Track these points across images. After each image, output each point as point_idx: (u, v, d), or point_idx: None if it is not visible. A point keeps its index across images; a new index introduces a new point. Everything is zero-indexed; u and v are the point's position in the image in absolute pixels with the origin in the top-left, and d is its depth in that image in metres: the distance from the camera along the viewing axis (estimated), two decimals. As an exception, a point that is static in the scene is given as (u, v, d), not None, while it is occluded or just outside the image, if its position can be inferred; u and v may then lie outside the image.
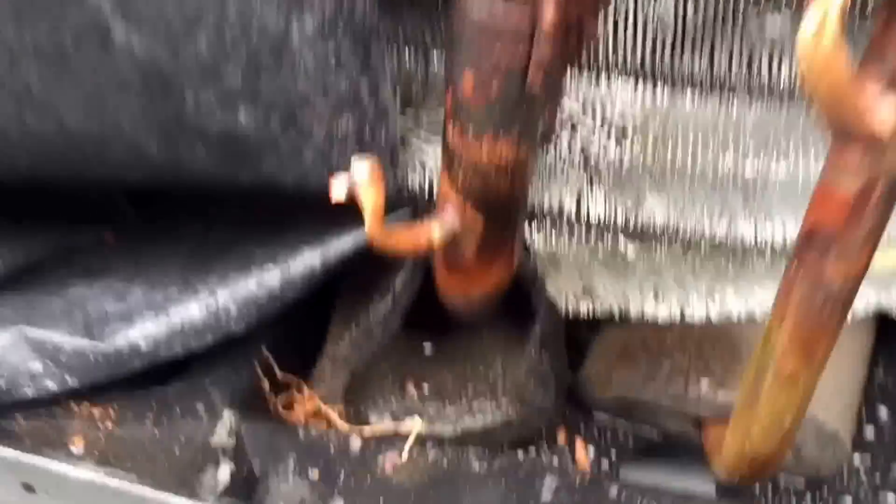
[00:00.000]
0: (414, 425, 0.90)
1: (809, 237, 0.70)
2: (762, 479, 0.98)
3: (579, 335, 1.11)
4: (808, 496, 1.04)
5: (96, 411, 0.94)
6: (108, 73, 0.78)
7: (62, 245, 1.08)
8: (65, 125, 0.80)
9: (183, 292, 0.94)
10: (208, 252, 1.00)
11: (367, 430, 0.94)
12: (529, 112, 0.74)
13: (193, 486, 0.88)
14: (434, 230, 0.81)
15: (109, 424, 0.93)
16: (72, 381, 0.93)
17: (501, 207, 0.81)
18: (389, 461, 0.91)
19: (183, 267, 0.99)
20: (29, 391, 0.93)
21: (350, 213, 0.88)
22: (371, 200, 0.74)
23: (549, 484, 0.90)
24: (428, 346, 1.09)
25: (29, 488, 0.85)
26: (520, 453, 1.05)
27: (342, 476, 0.90)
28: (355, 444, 0.92)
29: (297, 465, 0.90)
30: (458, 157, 0.78)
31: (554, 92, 0.78)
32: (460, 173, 0.79)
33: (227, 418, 0.80)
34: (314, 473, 0.90)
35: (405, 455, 0.89)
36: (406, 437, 0.94)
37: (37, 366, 0.93)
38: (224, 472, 0.82)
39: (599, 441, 1.08)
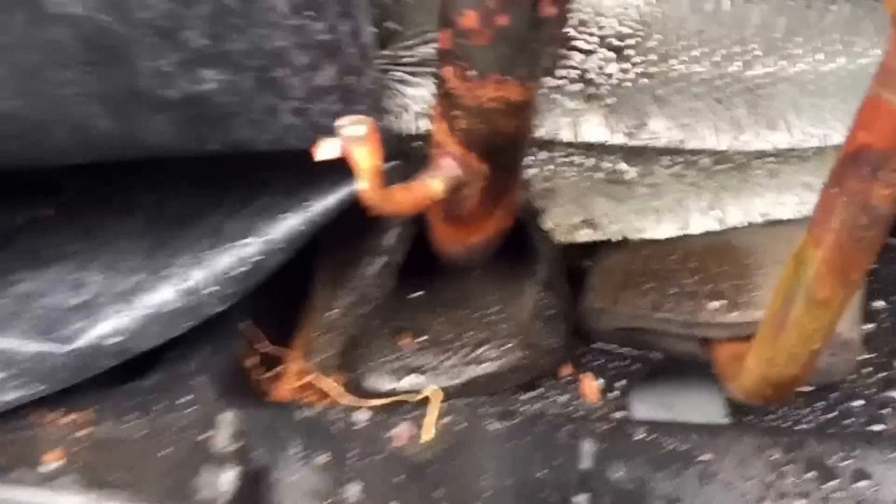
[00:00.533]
0: (433, 396, 0.83)
1: (855, 158, 0.65)
2: (784, 399, 0.95)
3: (575, 263, 1.05)
4: (819, 401, 1.02)
5: (75, 416, 0.85)
6: (41, 45, 0.67)
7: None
8: (-1, 110, 0.69)
9: (151, 277, 0.84)
10: (171, 227, 0.90)
11: (372, 402, 0.86)
12: (539, 44, 0.66)
13: (191, 490, 0.81)
14: (435, 185, 0.73)
15: (91, 430, 0.85)
16: (39, 388, 0.84)
17: (507, 152, 0.74)
18: (402, 433, 0.84)
19: (145, 246, 0.89)
20: (-9, 404, 0.83)
21: (332, 170, 0.80)
22: (368, 162, 0.65)
23: (571, 434, 0.84)
24: (418, 295, 1.01)
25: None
26: (533, 406, 1.00)
27: (353, 456, 0.83)
28: (362, 417, 0.86)
29: (303, 451, 0.83)
30: (459, 103, 0.70)
31: (563, 17, 0.69)
32: (462, 120, 0.70)
33: (229, 421, 0.72)
34: (322, 458, 0.83)
35: (426, 434, 0.82)
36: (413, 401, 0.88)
37: (-2, 375, 0.83)
38: (226, 479, 0.74)
39: (606, 371, 1.03)
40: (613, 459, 0.82)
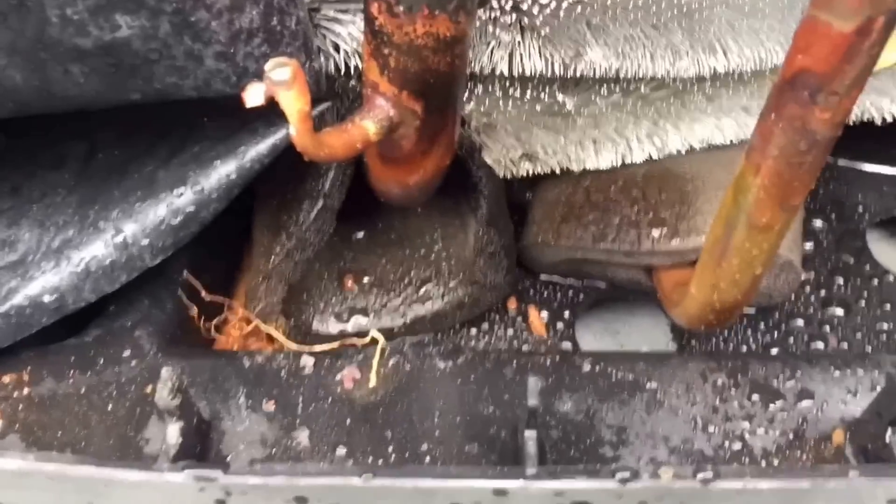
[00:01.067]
0: (380, 343, 0.82)
1: (793, 82, 0.64)
2: (727, 323, 0.95)
3: (516, 197, 1.04)
4: (761, 323, 1.03)
5: (7, 379, 0.83)
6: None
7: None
8: None
9: (82, 232, 0.82)
10: (102, 179, 0.87)
11: (318, 348, 0.85)
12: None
13: (138, 445, 0.80)
14: (368, 127, 0.71)
15: (26, 390, 0.83)
16: (-29, 351, 0.81)
17: (441, 89, 0.72)
18: (348, 377, 0.84)
19: (75, 201, 0.86)
20: (-79, 370, 0.81)
21: (263, 115, 0.78)
22: (296, 106, 0.63)
23: (518, 369, 0.84)
24: (360, 236, 0.99)
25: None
26: (480, 343, 0.99)
27: (300, 402, 0.82)
28: (307, 362, 0.85)
29: (250, 398, 0.82)
30: (388, 41, 0.68)
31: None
32: (391, 59, 0.68)
33: (168, 376, 0.71)
34: (269, 405, 0.82)
35: (374, 380, 0.81)
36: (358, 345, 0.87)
37: (-77, 341, 0.80)
38: (173, 432, 0.73)
39: (551, 303, 1.03)
40: (561, 392, 0.82)
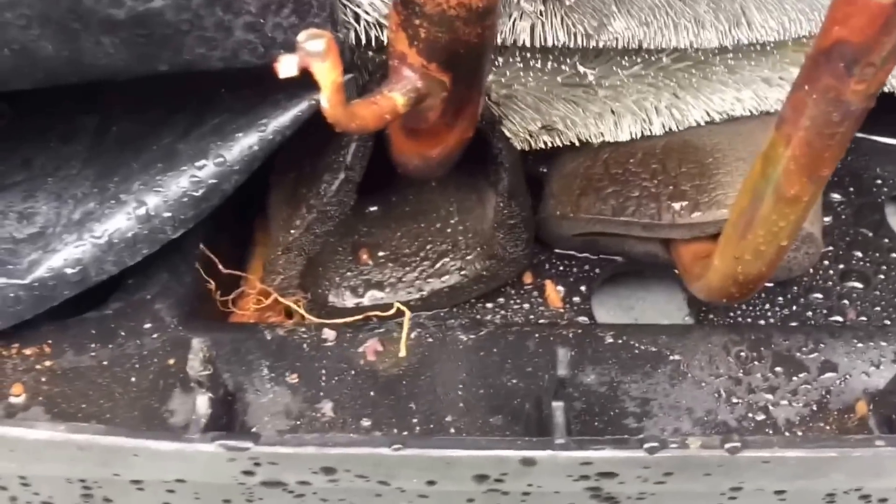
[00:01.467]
0: (406, 316, 0.82)
1: (829, 53, 0.63)
2: (749, 297, 0.95)
3: (532, 170, 1.04)
4: (780, 297, 1.03)
5: (29, 351, 0.83)
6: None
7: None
8: (-69, 37, 0.65)
9: (104, 205, 0.81)
10: (118, 151, 0.86)
11: (340, 321, 0.85)
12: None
13: (163, 416, 0.80)
14: (396, 99, 0.70)
15: (48, 363, 0.82)
16: (-5, 322, 0.81)
17: (470, 61, 0.71)
18: (371, 349, 0.84)
19: (92, 173, 0.86)
20: (-56, 343, 0.81)
21: (285, 87, 0.77)
22: (329, 78, 0.63)
23: (540, 342, 0.85)
24: (375, 210, 0.99)
25: (-23, 457, 0.74)
26: (496, 316, 0.99)
27: (323, 374, 0.82)
28: (329, 335, 0.85)
29: (272, 371, 0.82)
30: (419, 11, 0.67)
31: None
32: (421, 30, 0.68)
33: (199, 347, 0.70)
34: (293, 377, 0.82)
35: (403, 350, 0.81)
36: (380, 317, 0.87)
37: (-54, 313, 0.80)
38: (202, 403, 0.73)
39: (567, 277, 1.03)
40: (584, 364, 0.82)
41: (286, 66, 0.63)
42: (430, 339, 0.84)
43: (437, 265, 0.96)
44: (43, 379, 0.82)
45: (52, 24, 0.66)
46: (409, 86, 0.71)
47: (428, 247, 0.97)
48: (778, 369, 0.82)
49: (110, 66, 0.71)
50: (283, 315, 0.94)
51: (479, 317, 0.98)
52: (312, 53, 0.61)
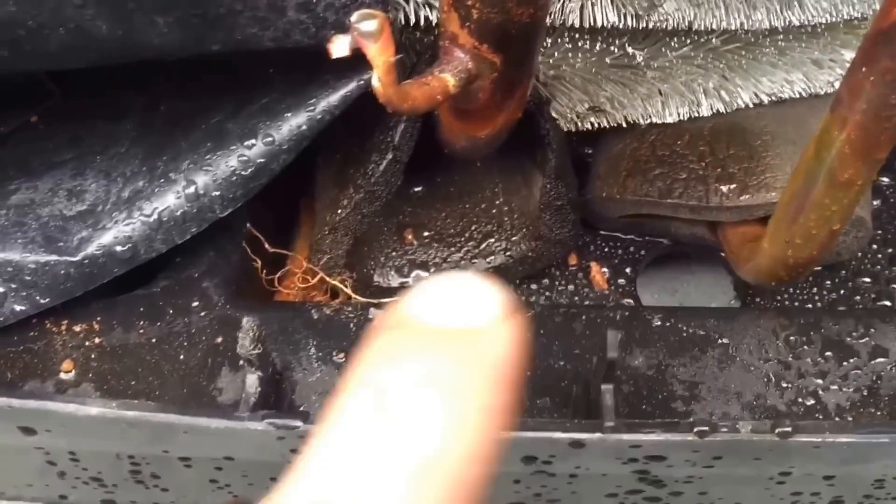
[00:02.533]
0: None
1: (889, 34, 0.62)
2: (798, 280, 0.95)
3: (577, 151, 1.03)
4: (827, 281, 1.02)
5: (78, 328, 0.84)
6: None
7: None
8: (-14, 15, 0.65)
9: (153, 183, 0.82)
10: (163, 131, 0.87)
11: (387, 300, 0.85)
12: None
13: (211, 394, 0.80)
14: (448, 80, 0.70)
15: (97, 339, 0.83)
16: (44, 301, 0.82)
17: (522, 42, 0.71)
18: (418, 329, 0.83)
19: (141, 152, 0.86)
20: (-5, 319, 0.82)
21: (333, 67, 0.77)
22: (382, 58, 0.62)
23: (588, 324, 0.84)
24: (420, 190, 0.99)
25: (28, 431, 0.75)
26: (540, 298, 0.99)
27: (371, 354, 0.82)
28: (376, 315, 0.85)
29: (320, 350, 0.82)
30: (472, -10, 0.67)
31: None
32: (474, 11, 0.67)
33: (249, 326, 0.71)
34: (340, 356, 0.82)
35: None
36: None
37: (-1, 290, 0.81)
38: (252, 381, 0.73)
39: (611, 259, 1.03)
40: (632, 347, 0.82)
41: (339, 47, 0.63)
42: (477, 320, 0.84)
43: (482, 246, 0.96)
44: (92, 356, 0.82)
45: (106, 3, 0.66)
46: (460, 67, 0.71)
47: (473, 227, 0.97)
48: (828, 354, 0.81)
49: (163, 46, 0.71)
50: (327, 294, 0.94)
51: (523, 298, 0.98)
52: (365, 34, 0.61)
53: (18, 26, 0.67)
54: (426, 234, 0.97)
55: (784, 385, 0.80)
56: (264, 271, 0.92)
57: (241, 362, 0.78)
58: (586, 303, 0.99)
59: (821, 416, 0.78)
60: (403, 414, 0.36)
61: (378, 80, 0.63)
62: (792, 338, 0.82)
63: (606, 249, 1.03)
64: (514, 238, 0.96)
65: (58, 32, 0.67)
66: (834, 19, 0.88)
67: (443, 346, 0.37)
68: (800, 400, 0.79)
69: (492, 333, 0.38)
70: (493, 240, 0.96)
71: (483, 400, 0.37)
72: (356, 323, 0.84)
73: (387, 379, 0.37)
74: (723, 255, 0.99)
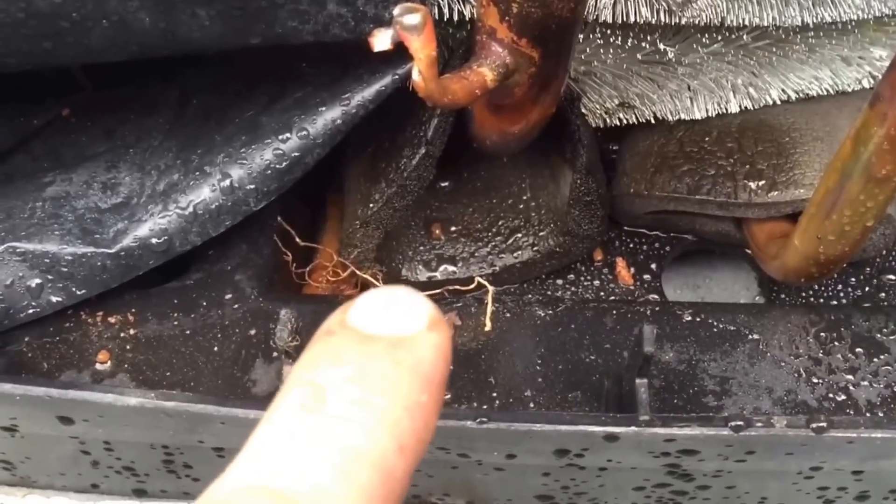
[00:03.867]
0: (490, 291, 0.82)
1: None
2: (827, 278, 0.95)
3: (602, 147, 1.04)
4: (852, 278, 1.02)
5: (113, 320, 0.84)
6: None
7: (15, 133, 0.94)
8: (32, 8, 0.66)
9: (188, 176, 0.83)
10: (196, 124, 0.87)
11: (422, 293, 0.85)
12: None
13: (245, 385, 0.81)
14: (486, 74, 0.71)
15: (132, 331, 0.84)
16: (80, 292, 0.83)
17: (560, 36, 0.71)
18: (448, 323, 0.84)
19: (175, 145, 0.87)
20: (32, 310, 0.82)
21: (367, 61, 0.78)
22: (424, 52, 0.63)
23: (618, 319, 0.85)
24: (447, 185, 1.00)
25: (66, 420, 0.76)
26: (566, 293, 1.00)
27: (403, 347, 0.83)
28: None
29: (352, 343, 0.83)
30: (512, -14, 0.67)
31: None
32: (514, 5, 0.68)
33: (287, 318, 0.71)
34: (372, 350, 0.83)
35: (489, 324, 0.82)
36: (458, 291, 0.88)
37: (36, 281, 0.82)
38: (288, 373, 0.74)
39: (637, 255, 1.03)
40: (662, 342, 0.83)
41: (381, 41, 0.63)
42: (508, 315, 0.85)
43: (510, 240, 0.97)
44: (127, 347, 0.83)
45: (149, -2, 0.67)
46: (499, 61, 0.72)
47: (500, 222, 0.97)
48: (858, 350, 0.81)
49: (204, 39, 0.72)
50: (357, 288, 0.95)
51: (550, 292, 0.99)
52: (408, 27, 0.62)
53: (62, 18, 0.67)
54: (454, 228, 0.98)
55: (815, 381, 0.80)
56: (294, 265, 0.92)
57: (275, 354, 0.79)
58: (612, 298, 0.99)
59: (851, 412, 0.78)
60: (334, 409, 0.40)
61: (419, 74, 0.64)
62: (822, 334, 0.83)
63: (632, 245, 1.04)
64: (541, 233, 0.96)
65: (101, 25, 0.68)
66: (865, 16, 0.88)
67: (375, 350, 0.42)
68: (830, 395, 0.79)
69: (420, 340, 0.43)
70: (520, 235, 0.96)
71: (409, 398, 0.41)
72: (388, 316, 0.84)
73: (322, 377, 0.41)
74: (748, 251, 1.00)
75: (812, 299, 1.00)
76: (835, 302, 0.99)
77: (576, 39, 0.74)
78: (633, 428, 0.70)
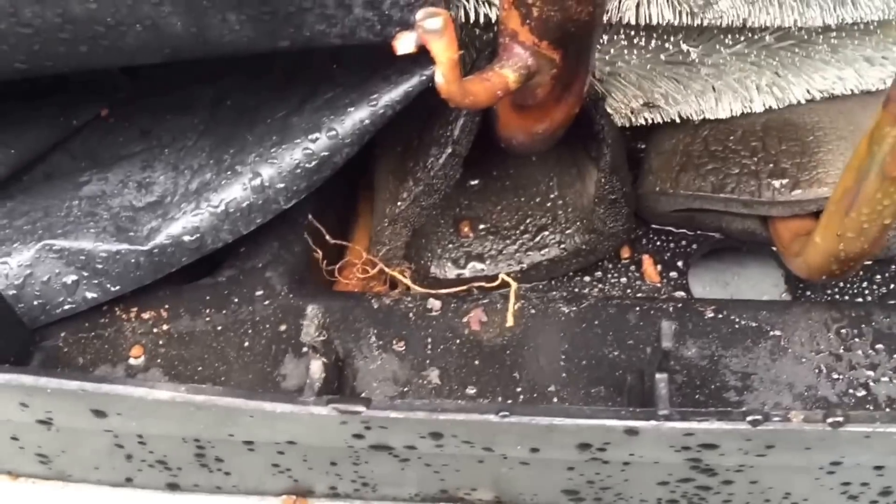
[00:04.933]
0: (513, 287, 0.84)
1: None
2: (849, 275, 0.95)
3: (628, 147, 1.05)
4: (877, 275, 1.02)
5: (146, 315, 0.87)
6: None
7: (56, 132, 0.97)
8: (69, 14, 0.69)
9: (220, 175, 0.85)
10: (229, 124, 0.90)
11: (445, 291, 0.87)
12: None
13: (275, 380, 0.83)
14: (508, 76, 0.72)
15: (165, 326, 0.86)
16: (114, 288, 0.85)
17: (580, 39, 0.73)
18: (475, 319, 0.86)
19: (207, 145, 0.89)
20: (69, 305, 0.85)
21: (395, 62, 0.79)
22: (446, 55, 0.65)
23: (642, 315, 0.86)
24: (475, 183, 1.01)
25: (100, 414, 0.78)
26: (594, 290, 1.01)
27: (429, 343, 0.85)
28: (434, 305, 0.87)
29: (380, 339, 0.85)
30: (534, -10, 0.69)
31: None
32: (534, 9, 0.69)
33: (314, 313, 0.74)
34: (399, 345, 0.85)
35: (510, 320, 0.83)
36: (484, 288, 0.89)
37: (72, 277, 0.84)
38: (316, 367, 0.76)
39: (663, 252, 1.04)
40: (685, 338, 0.84)
41: (404, 44, 0.65)
42: (533, 311, 0.86)
43: (537, 238, 0.98)
44: (160, 342, 0.86)
45: (182, 1, 0.69)
46: (520, 63, 0.73)
47: (528, 220, 0.99)
48: (879, 346, 0.82)
49: (234, 43, 0.74)
50: (386, 285, 0.97)
51: (577, 290, 1.00)
52: (430, 31, 0.64)
53: (97, 23, 0.70)
54: (482, 226, 0.99)
55: (835, 376, 0.81)
56: (325, 262, 0.94)
57: (305, 349, 0.81)
58: (639, 295, 1.00)
59: (871, 407, 0.79)
60: None
61: (441, 76, 0.66)
62: (843, 330, 0.83)
63: (658, 243, 1.05)
64: (568, 231, 0.97)
65: (134, 29, 0.70)
66: (887, 17, 0.89)
67: None
68: (850, 391, 0.80)
69: None
70: (547, 232, 0.98)
71: None
72: (415, 312, 0.87)
73: None
74: (773, 248, 1.00)
75: (837, 296, 1.00)
76: (859, 299, 1.00)
77: (596, 41, 0.75)
78: (652, 422, 0.71)
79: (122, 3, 0.69)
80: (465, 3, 0.83)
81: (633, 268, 1.03)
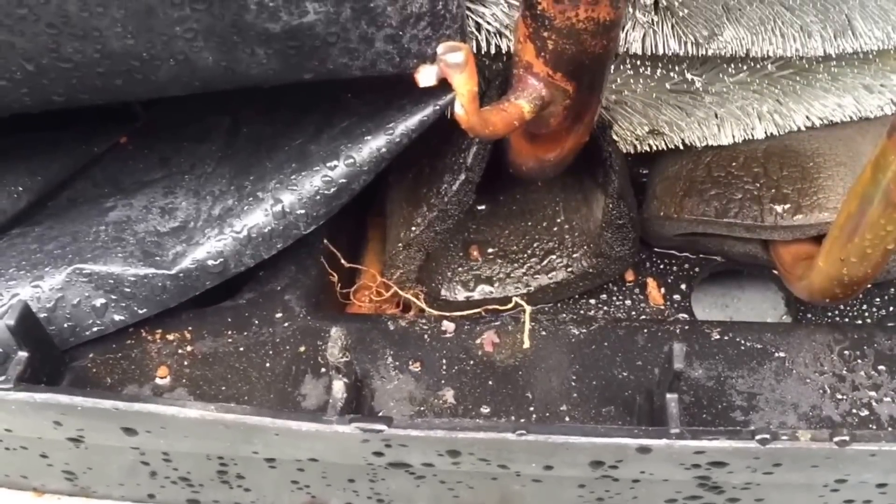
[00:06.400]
0: (527, 310, 0.87)
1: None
2: (851, 298, 0.98)
3: (632, 172, 1.08)
4: (877, 298, 1.05)
5: (171, 337, 0.89)
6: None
7: (78, 159, 0.99)
8: (107, 49, 0.71)
9: (242, 201, 0.87)
10: (247, 152, 0.93)
11: (458, 314, 0.90)
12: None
13: (296, 400, 0.85)
14: (523, 106, 0.75)
15: (189, 348, 0.89)
16: (141, 311, 0.88)
17: (594, 71, 0.76)
18: (488, 341, 0.88)
19: (228, 171, 0.92)
20: (97, 328, 0.87)
21: (410, 92, 0.82)
22: (466, 87, 0.68)
23: (650, 337, 0.89)
24: (484, 208, 1.04)
25: (130, 432, 0.81)
26: (599, 312, 1.04)
27: (444, 363, 0.87)
28: (448, 327, 0.90)
29: (396, 360, 0.87)
30: (548, 24, 0.72)
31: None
32: (549, 42, 0.72)
33: (338, 335, 0.76)
34: (415, 365, 0.87)
35: (527, 342, 0.86)
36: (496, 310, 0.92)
37: (101, 300, 0.87)
38: (339, 387, 0.79)
39: (666, 276, 1.07)
40: (692, 359, 0.86)
41: (426, 76, 0.68)
42: (544, 333, 0.89)
43: (544, 262, 1.01)
44: (185, 363, 0.88)
45: (214, 36, 0.72)
46: (535, 94, 0.76)
47: (535, 244, 1.02)
48: (881, 367, 0.85)
49: (260, 75, 0.77)
50: (399, 307, 1.00)
51: (583, 312, 1.03)
52: (452, 65, 0.67)
53: (133, 58, 0.73)
54: (490, 250, 1.02)
55: (839, 397, 0.84)
56: (339, 285, 0.97)
57: (323, 369, 0.84)
58: (643, 317, 1.03)
59: (874, 427, 0.82)
60: None
61: (462, 107, 0.68)
62: (846, 352, 0.86)
63: (662, 266, 1.08)
64: (574, 255, 1.00)
65: (168, 63, 0.73)
66: (885, 46, 0.92)
67: None
68: (854, 411, 0.83)
69: None
70: (554, 256, 1.01)
71: None
72: (430, 334, 0.89)
73: None
74: (775, 272, 1.03)
75: (838, 318, 1.03)
76: (859, 321, 1.02)
77: (608, 73, 0.78)
78: (664, 440, 0.74)
79: (158, 39, 0.71)
80: (478, 34, 0.86)
81: (637, 290, 1.06)
